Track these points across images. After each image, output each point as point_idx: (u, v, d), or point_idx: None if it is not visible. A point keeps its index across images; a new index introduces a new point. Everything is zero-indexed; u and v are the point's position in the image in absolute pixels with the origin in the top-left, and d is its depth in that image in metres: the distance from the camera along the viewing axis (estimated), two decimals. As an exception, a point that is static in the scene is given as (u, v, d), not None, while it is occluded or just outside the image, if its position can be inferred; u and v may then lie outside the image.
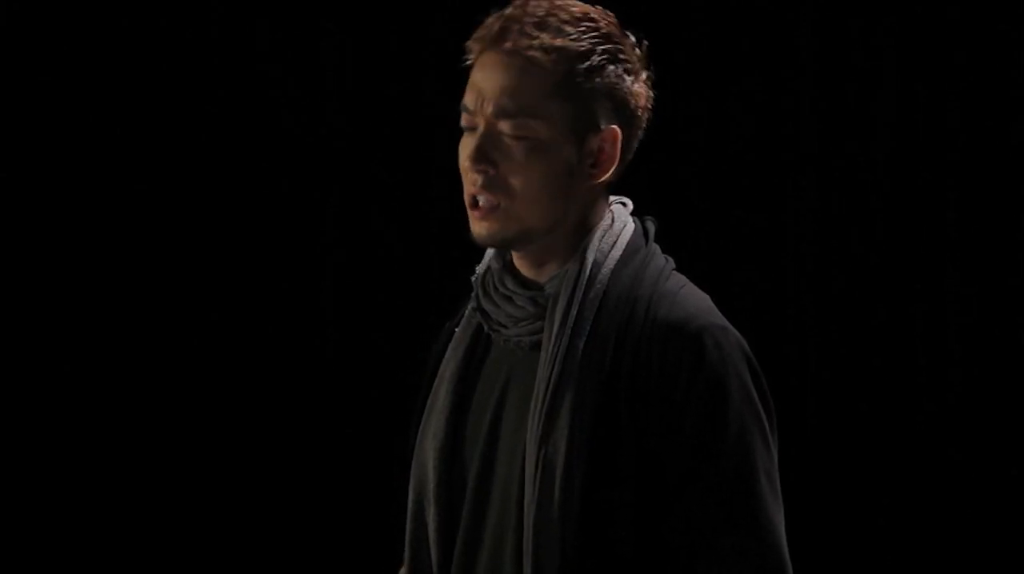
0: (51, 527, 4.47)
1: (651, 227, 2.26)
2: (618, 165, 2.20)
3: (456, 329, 2.28)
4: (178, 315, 4.48)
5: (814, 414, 4.31)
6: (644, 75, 2.22)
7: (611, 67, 2.16)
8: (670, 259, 2.23)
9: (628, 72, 2.18)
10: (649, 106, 2.22)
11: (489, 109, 2.14)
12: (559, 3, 2.18)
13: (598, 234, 2.18)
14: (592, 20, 2.18)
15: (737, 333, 2.15)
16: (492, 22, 2.16)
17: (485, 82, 2.15)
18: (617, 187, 2.28)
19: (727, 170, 4.36)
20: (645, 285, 2.15)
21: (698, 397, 2.07)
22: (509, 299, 2.18)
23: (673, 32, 4.35)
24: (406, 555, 2.25)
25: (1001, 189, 4.25)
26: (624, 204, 2.26)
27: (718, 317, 2.15)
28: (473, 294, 2.24)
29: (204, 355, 4.49)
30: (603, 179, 2.18)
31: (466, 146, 2.16)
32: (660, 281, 2.16)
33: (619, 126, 2.18)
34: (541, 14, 2.15)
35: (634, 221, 2.25)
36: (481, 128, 2.15)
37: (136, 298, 4.48)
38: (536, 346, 2.15)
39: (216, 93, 4.49)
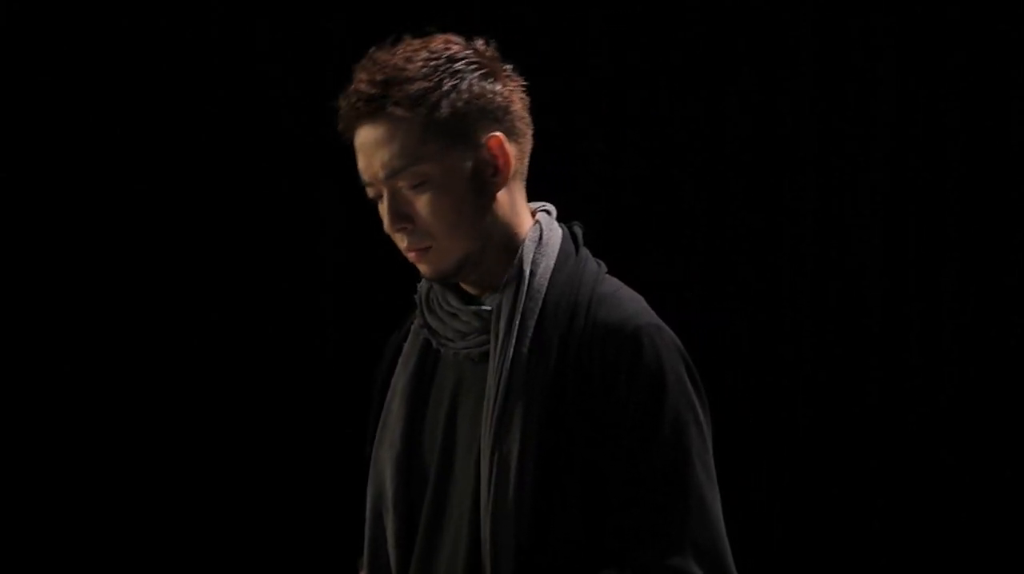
0: (51, 527, 4.47)
1: (579, 232, 2.33)
2: (519, 161, 2.28)
3: (404, 344, 2.38)
4: (178, 315, 4.49)
5: (809, 415, 4.31)
6: (503, 70, 2.30)
7: (464, 85, 2.23)
8: (602, 263, 2.32)
9: (484, 78, 2.26)
10: (518, 95, 2.30)
11: (381, 176, 2.22)
12: (394, 54, 2.27)
13: (529, 245, 2.26)
14: (429, 52, 2.27)
15: (671, 331, 2.24)
16: (344, 102, 2.25)
17: (366, 156, 2.24)
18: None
19: (724, 170, 4.36)
20: (583, 290, 2.24)
21: (637, 392, 2.17)
22: (455, 316, 2.28)
23: (672, 32, 4.36)
24: (365, 559, 2.36)
25: (1000, 189, 4.25)
26: (548, 212, 2.34)
27: (653, 317, 2.24)
28: (418, 311, 2.34)
29: (204, 355, 4.49)
30: (507, 181, 2.25)
31: (382, 214, 2.26)
32: (596, 285, 2.25)
33: (499, 130, 2.25)
34: (381, 78, 2.23)
35: (561, 227, 2.32)
36: (384, 194, 2.24)
37: (136, 298, 4.48)
38: (484, 357, 2.24)
39: (216, 93, 4.49)
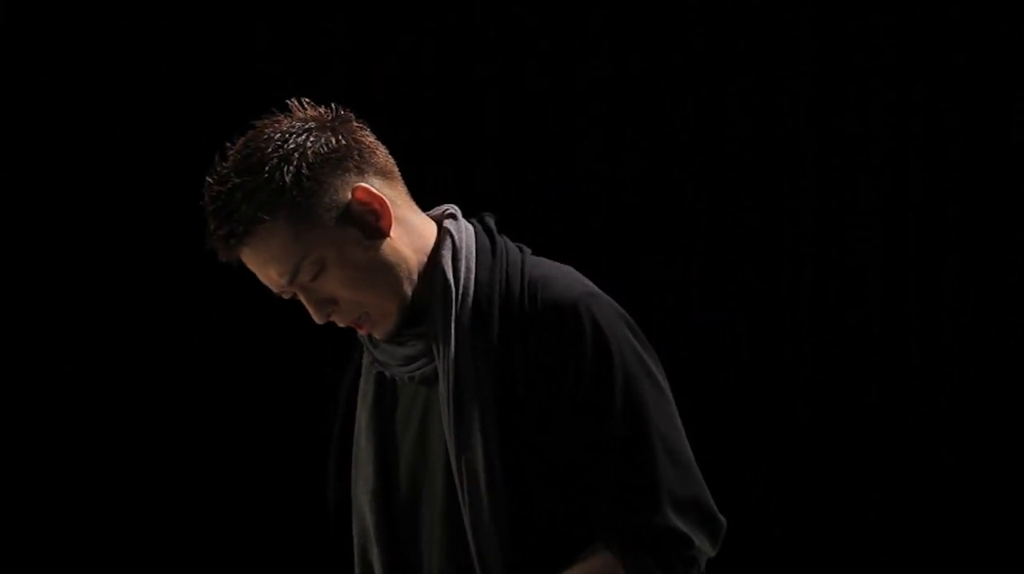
0: (51, 527, 4.47)
1: (491, 222, 2.32)
2: (391, 190, 2.24)
3: (359, 381, 2.38)
4: (178, 315, 4.49)
5: (809, 415, 4.31)
6: (325, 118, 2.24)
7: (300, 162, 2.19)
8: (524, 247, 2.31)
9: (316, 140, 2.20)
10: (353, 130, 2.24)
11: (284, 283, 2.22)
12: (223, 177, 2.21)
13: (445, 256, 2.25)
14: (250, 150, 2.22)
15: (606, 296, 2.26)
16: (213, 245, 2.23)
17: (260, 274, 2.24)
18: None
19: (724, 170, 4.36)
20: (512, 279, 2.24)
21: (584, 362, 2.18)
22: (400, 344, 2.27)
23: (672, 32, 4.36)
24: None
25: (1000, 189, 4.25)
26: (453, 215, 2.31)
27: (585, 285, 2.25)
28: (364, 347, 2.34)
29: (204, 355, 4.49)
30: (392, 218, 2.22)
31: (308, 310, 2.24)
32: (525, 270, 2.25)
33: (356, 179, 2.22)
34: (226, 211, 2.19)
35: (472, 224, 2.31)
36: (298, 294, 2.23)
37: (136, 298, 4.48)
38: (437, 375, 2.25)
39: (216, 93, 4.49)
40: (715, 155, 4.36)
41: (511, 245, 2.30)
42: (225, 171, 2.21)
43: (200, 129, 4.48)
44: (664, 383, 2.26)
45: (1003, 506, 4.23)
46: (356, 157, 2.23)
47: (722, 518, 2.23)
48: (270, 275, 2.22)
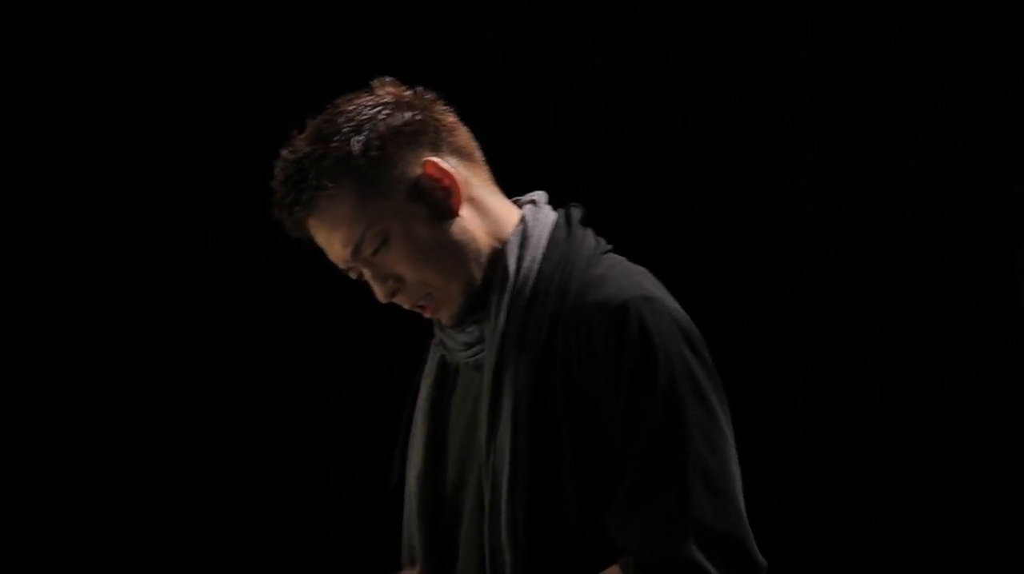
0: (51, 527, 4.47)
1: (575, 213, 2.26)
2: (467, 169, 2.22)
3: (427, 358, 2.34)
4: (178, 315, 4.48)
5: (809, 415, 4.31)
6: (405, 94, 2.23)
7: (371, 132, 2.18)
8: (601, 241, 2.25)
9: (390, 114, 2.19)
10: (434, 108, 2.23)
11: (347, 256, 2.20)
12: (295, 145, 2.20)
13: (512, 244, 2.20)
14: (323, 123, 2.21)
15: (667, 302, 2.17)
16: (279, 215, 2.21)
17: (326, 246, 2.22)
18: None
19: (724, 170, 4.36)
20: (574, 275, 2.17)
21: (624, 368, 2.09)
22: (460, 329, 2.23)
23: (672, 32, 4.36)
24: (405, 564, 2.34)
25: (1000, 189, 4.24)
26: (535, 202, 2.27)
27: (644, 289, 2.17)
28: (434, 327, 2.31)
29: (204, 355, 4.49)
30: (463, 196, 2.19)
31: (372, 289, 2.22)
32: (589, 268, 2.18)
33: (428, 153, 2.20)
34: (295, 176, 2.18)
35: (556, 212, 2.26)
36: (362, 271, 2.21)
37: (136, 298, 4.48)
38: None
39: (216, 93, 4.49)
40: (715, 155, 4.36)
41: (589, 239, 2.24)
42: (298, 142, 2.21)
43: (200, 129, 4.49)
44: (719, 410, 2.15)
45: (1003, 506, 4.23)
46: (432, 134, 2.20)
47: (762, 561, 2.10)
48: (335, 247, 2.19)
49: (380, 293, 2.21)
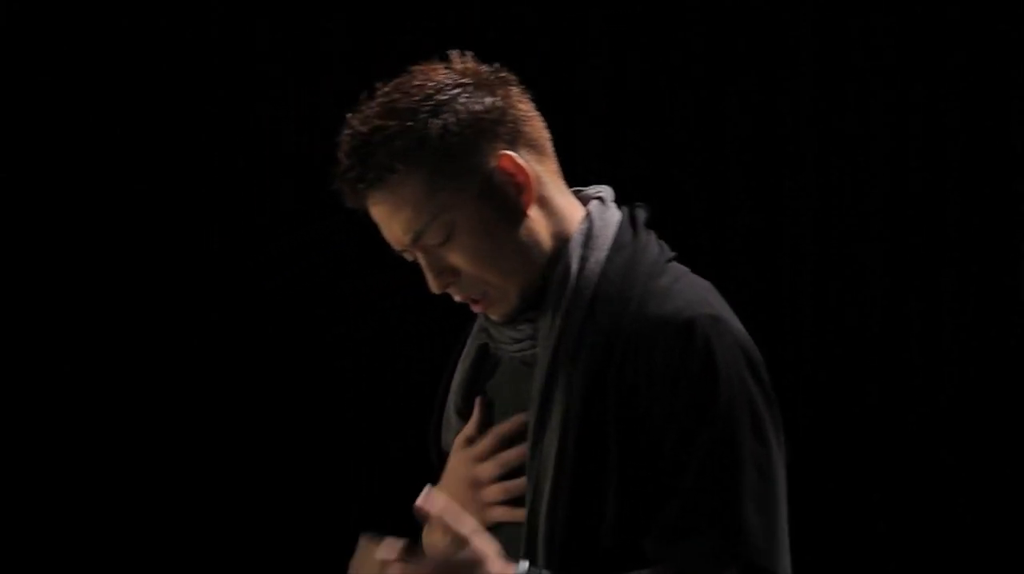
0: (51, 527, 4.47)
1: (641, 214, 2.16)
2: (540, 164, 2.12)
3: (467, 341, 2.26)
4: (178, 315, 4.48)
5: (809, 415, 4.31)
6: (488, 76, 2.12)
7: (450, 116, 2.06)
8: (665, 248, 2.16)
9: (471, 96, 2.08)
10: (514, 94, 2.12)
11: (407, 241, 2.09)
12: (367, 116, 2.09)
13: (576, 242, 2.10)
14: (402, 95, 2.09)
15: (733, 323, 2.08)
16: (340, 184, 2.10)
17: (384, 227, 2.11)
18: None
19: (724, 170, 4.35)
20: (637, 282, 2.07)
21: (685, 388, 2.00)
22: (512, 326, 2.14)
23: (672, 32, 4.35)
24: None
25: (1000, 189, 4.24)
26: (602, 198, 2.18)
27: (711, 307, 2.08)
28: (480, 316, 2.21)
29: (204, 355, 4.49)
30: (535, 194, 2.09)
31: (426, 276, 2.12)
32: (651, 277, 2.09)
33: (504, 147, 2.09)
34: (364, 150, 2.07)
35: (620, 211, 2.17)
36: (419, 257, 2.11)
37: (136, 298, 4.48)
38: (535, 359, 2.11)
39: (216, 93, 4.49)
40: (715, 155, 4.36)
41: (653, 244, 2.14)
42: (369, 112, 2.08)
43: (200, 129, 4.49)
44: (774, 440, 2.08)
45: (1003, 506, 4.23)
46: (510, 124, 2.09)
47: None
48: (394, 230, 2.08)
49: (434, 284, 2.11)
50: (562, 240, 2.11)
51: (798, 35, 4.32)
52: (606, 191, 2.20)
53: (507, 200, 2.08)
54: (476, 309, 2.14)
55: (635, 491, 2.02)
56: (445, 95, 2.07)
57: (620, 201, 2.21)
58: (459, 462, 2.18)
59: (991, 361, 4.24)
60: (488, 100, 2.08)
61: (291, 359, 4.51)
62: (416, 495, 2.42)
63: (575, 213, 2.14)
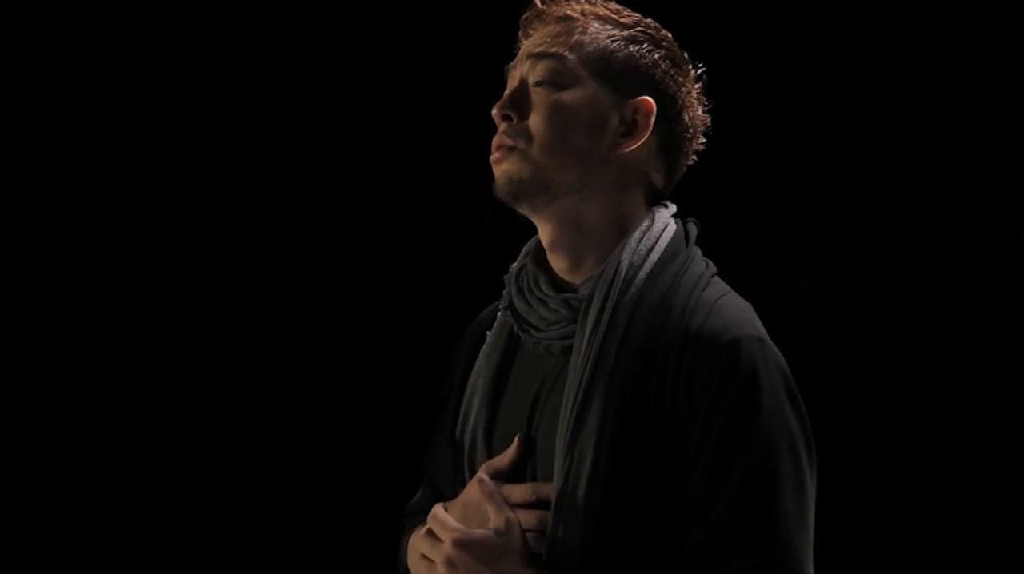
0: (51, 527, 4.47)
1: (693, 230, 2.22)
2: (658, 150, 2.17)
3: (488, 332, 2.27)
4: (177, 315, 4.48)
5: (809, 414, 4.30)
6: (689, 71, 2.21)
7: (655, 50, 2.16)
8: (711, 264, 2.19)
9: (674, 65, 2.17)
10: (693, 101, 2.20)
11: (532, 51, 2.15)
12: (611, 3, 2.20)
13: (636, 235, 2.14)
14: (642, 18, 2.19)
15: (775, 348, 2.10)
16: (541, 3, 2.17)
17: (530, 37, 2.17)
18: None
19: (724, 170, 4.36)
20: (681, 292, 2.09)
21: (726, 410, 2.00)
22: (543, 302, 2.15)
23: (671, 31, 4.36)
24: None
25: (1000, 190, 4.25)
26: (667, 206, 2.22)
27: (755, 329, 2.09)
28: (505, 292, 2.22)
29: (204, 355, 4.49)
30: (634, 151, 2.14)
31: (503, 95, 2.17)
32: (697, 289, 2.11)
33: (658, 102, 2.16)
34: (589, 5, 2.17)
35: (676, 223, 2.21)
36: (515, 82, 2.16)
37: (136, 298, 4.48)
38: (568, 351, 2.12)
39: (216, 94, 4.49)
40: (715, 155, 4.36)
41: (700, 259, 2.18)
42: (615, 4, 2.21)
43: (200, 129, 4.49)
44: (808, 467, 2.06)
45: (1003, 506, 4.23)
46: (678, 100, 2.18)
47: None
48: (537, 39, 2.16)
49: (501, 102, 2.16)
50: (615, 216, 2.15)
51: (798, 35, 4.33)
52: (671, 204, 2.25)
53: (612, 125, 2.14)
54: (494, 157, 2.16)
55: (665, 503, 2.02)
56: (662, 44, 2.18)
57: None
58: (480, 496, 2.16)
59: (991, 361, 4.24)
60: (686, 67, 2.20)
61: (291, 359, 4.51)
62: (409, 496, 2.43)
63: (641, 208, 2.19)
